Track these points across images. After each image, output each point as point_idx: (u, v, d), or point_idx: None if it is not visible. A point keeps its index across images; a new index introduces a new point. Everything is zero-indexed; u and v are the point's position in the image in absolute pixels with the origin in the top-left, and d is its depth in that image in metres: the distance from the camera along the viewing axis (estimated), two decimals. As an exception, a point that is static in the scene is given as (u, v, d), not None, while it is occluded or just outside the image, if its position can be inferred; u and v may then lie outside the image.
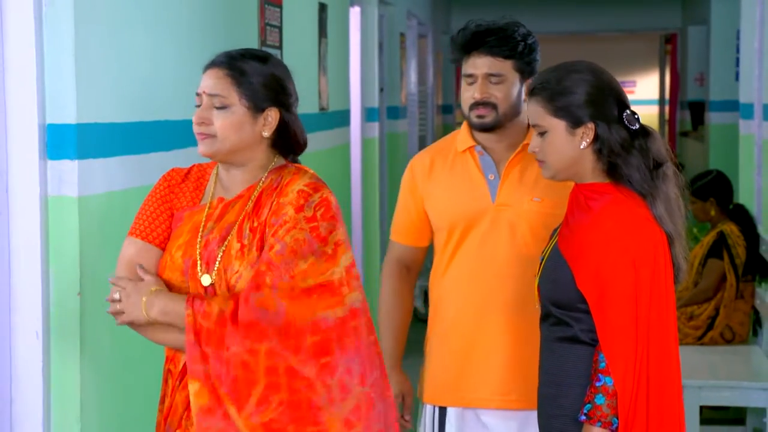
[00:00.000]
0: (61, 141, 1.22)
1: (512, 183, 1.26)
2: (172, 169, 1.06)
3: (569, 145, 1.06)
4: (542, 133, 1.07)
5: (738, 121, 3.14)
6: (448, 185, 1.28)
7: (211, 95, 1.01)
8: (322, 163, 2.45)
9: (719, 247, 2.32)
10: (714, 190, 2.39)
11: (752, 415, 2.25)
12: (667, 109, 6.40)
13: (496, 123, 1.24)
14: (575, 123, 1.05)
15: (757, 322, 2.37)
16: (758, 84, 2.73)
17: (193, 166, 1.06)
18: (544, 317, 1.08)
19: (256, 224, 1.02)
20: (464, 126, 1.30)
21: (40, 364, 1.21)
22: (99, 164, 1.26)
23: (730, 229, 2.33)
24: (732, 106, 3.94)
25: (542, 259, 1.09)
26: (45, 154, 1.22)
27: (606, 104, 1.05)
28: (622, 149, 1.04)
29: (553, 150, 1.06)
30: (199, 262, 1.01)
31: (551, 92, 1.06)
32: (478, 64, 1.23)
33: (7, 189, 1.22)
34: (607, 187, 1.06)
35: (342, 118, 2.69)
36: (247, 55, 1.02)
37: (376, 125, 3.27)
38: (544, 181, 1.25)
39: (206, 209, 1.03)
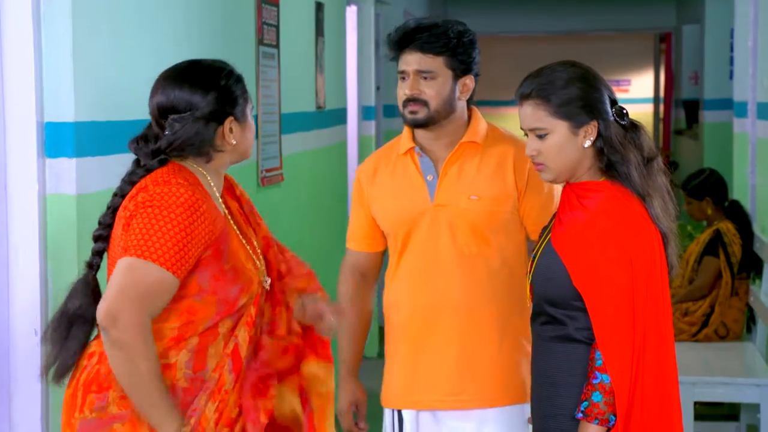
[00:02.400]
0: (60, 139, 1.22)
1: (450, 182, 1.25)
2: (201, 199, 1.01)
3: (572, 145, 1.05)
4: (541, 136, 1.06)
5: (732, 119, 3.14)
6: (390, 189, 1.28)
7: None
8: (319, 160, 2.45)
9: (715, 244, 2.33)
10: (709, 188, 2.39)
11: (746, 411, 2.25)
12: (661, 107, 6.43)
13: (428, 119, 1.24)
14: (578, 123, 1.04)
15: (751, 319, 2.37)
16: (752, 82, 2.73)
17: (193, 185, 1.02)
18: (535, 316, 1.08)
19: (249, 213, 1.12)
20: (405, 128, 1.29)
21: (38, 362, 1.21)
22: (97, 162, 1.27)
23: (727, 227, 2.34)
24: (726, 104, 3.94)
25: (534, 258, 1.08)
26: (43, 152, 1.22)
27: (601, 100, 1.05)
28: (621, 145, 1.04)
29: (556, 152, 1.05)
30: (258, 263, 1.07)
31: (548, 94, 1.05)
32: (409, 61, 1.23)
33: (5, 187, 1.23)
34: (602, 184, 1.05)
35: (339, 116, 2.70)
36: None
37: (372, 123, 3.27)
38: (482, 179, 1.24)
39: (230, 219, 1.07)
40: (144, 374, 0.99)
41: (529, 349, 1.24)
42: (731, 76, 3.97)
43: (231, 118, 1.05)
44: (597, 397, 1.00)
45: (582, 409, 1.01)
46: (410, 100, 1.23)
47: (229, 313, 1.04)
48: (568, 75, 1.05)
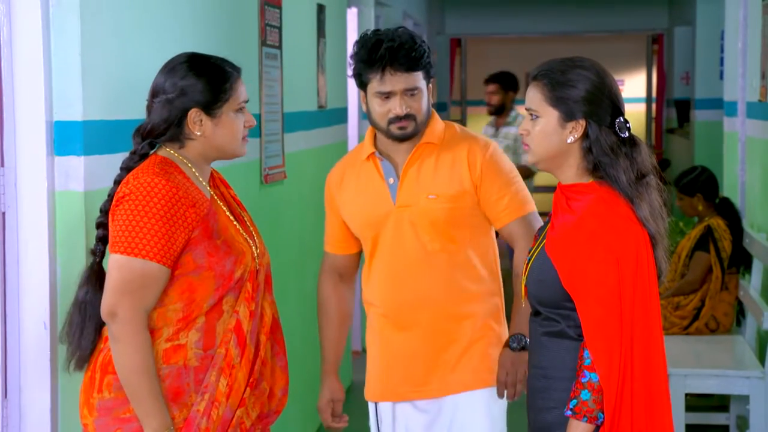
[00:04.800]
0: (68, 137, 1.25)
1: (410, 184, 1.30)
2: (176, 187, 1.05)
3: (557, 136, 1.07)
4: (533, 118, 1.08)
5: (722, 118, 3.20)
6: (355, 194, 1.32)
7: None
8: (320, 158, 2.48)
9: (706, 240, 2.37)
10: (700, 185, 2.44)
11: (736, 402, 2.30)
12: (654, 106, 6.49)
13: (415, 132, 1.28)
14: (568, 116, 1.06)
15: (740, 313, 2.42)
16: (742, 82, 2.78)
17: (169, 173, 1.06)
18: (535, 313, 1.10)
19: (240, 204, 1.17)
20: (368, 134, 1.33)
21: (47, 354, 1.24)
22: (104, 160, 1.29)
23: (717, 223, 2.38)
24: (716, 104, 3.99)
25: (529, 260, 1.10)
26: (52, 150, 1.25)
27: (601, 106, 1.06)
28: (611, 152, 1.06)
29: (541, 137, 1.07)
30: (249, 241, 1.11)
31: (553, 81, 1.07)
32: (395, 82, 1.25)
33: (15, 184, 1.25)
34: (590, 186, 1.07)
35: (339, 116, 2.73)
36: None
37: (371, 123, 3.36)
38: (439, 178, 1.28)
39: (217, 200, 1.12)
40: (134, 367, 1.02)
41: (499, 330, 1.32)
42: (721, 77, 4.04)
43: (196, 109, 1.07)
44: (586, 395, 1.03)
45: (571, 406, 1.03)
46: (400, 118, 1.26)
47: (227, 287, 1.06)
48: (580, 72, 1.07)
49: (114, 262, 1.04)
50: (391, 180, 1.30)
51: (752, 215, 2.64)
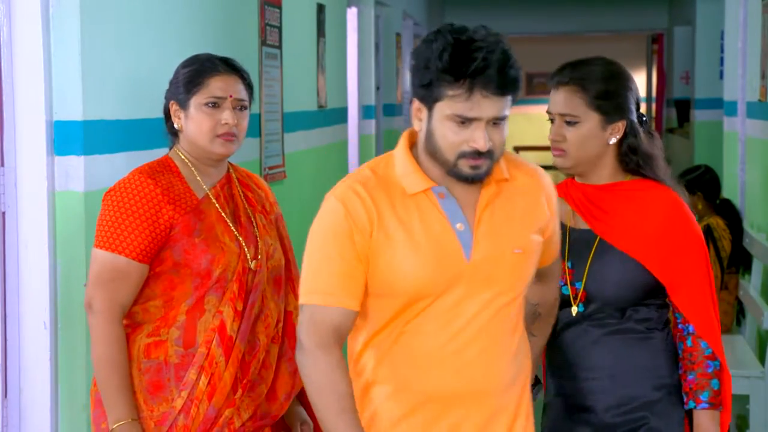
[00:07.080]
0: (68, 137, 1.25)
1: (489, 233, 0.91)
2: (155, 184, 1.04)
3: (597, 139, 1.05)
4: (570, 123, 1.05)
5: (722, 118, 3.22)
6: (407, 240, 0.89)
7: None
8: (320, 158, 2.49)
9: (705, 239, 2.39)
10: (702, 184, 2.44)
11: (736, 402, 2.26)
12: (654, 106, 6.52)
13: (488, 172, 0.90)
14: (609, 119, 1.05)
15: (740, 313, 2.42)
16: (741, 82, 2.79)
17: (155, 171, 1.06)
18: (584, 317, 1.04)
19: (260, 207, 1.15)
20: (407, 158, 0.91)
21: (47, 354, 1.24)
22: (104, 160, 1.30)
23: (717, 222, 2.38)
24: (716, 103, 4.01)
25: (586, 263, 1.03)
26: (52, 150, 1.25)
27: (632, 104, 1.07)
28: (650, 148, 1.06)
29: (581, 142, 1.05)
30: (244, 243, 1.09)
31: (590, 84, 1.04)
32: (486, 107, 0.86)
33: (15, 184, 1.25)
34: (644, 182, 1.07)
35: (340, 116, 2.75)
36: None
37: (372, 122, 3.34)
38: (527, 227, 0.92)
39: (213, 199, 1.10)
40: (102, 358, 1.03)
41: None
42: (721, 76, 4.06)
43: (173, 101, 1.10)
44: (716, 384, 1.03)
45: (704, 398, 1.02)
46: (480, 154, 0.87)
47: (207, 286, 1.05)
48: (609, 70, 1.06)
49: (92, 256, 1.07)
50: (460, 226, 0.89)
51: (752, 215, 2.65)
